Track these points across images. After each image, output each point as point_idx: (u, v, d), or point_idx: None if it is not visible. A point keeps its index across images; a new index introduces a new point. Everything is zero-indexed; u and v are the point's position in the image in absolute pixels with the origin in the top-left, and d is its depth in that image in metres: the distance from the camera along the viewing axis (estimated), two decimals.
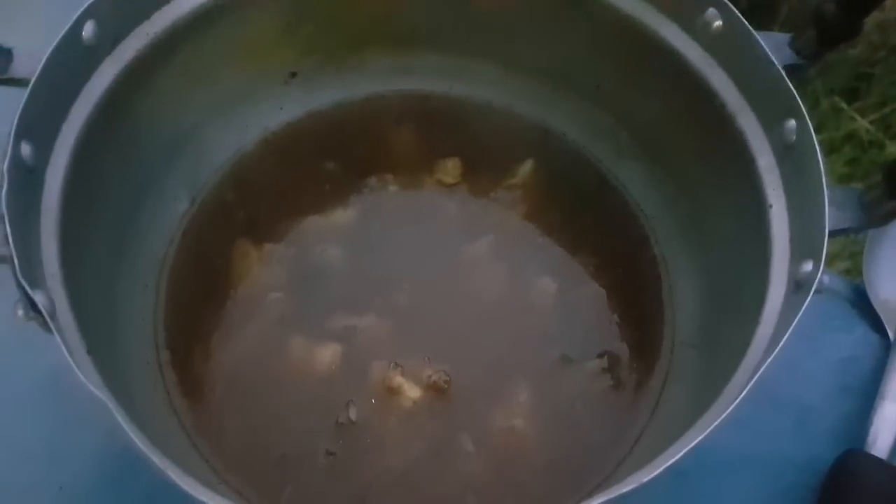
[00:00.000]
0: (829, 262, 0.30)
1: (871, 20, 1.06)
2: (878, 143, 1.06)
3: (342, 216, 0.46)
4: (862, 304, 0.48)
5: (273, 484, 0.37)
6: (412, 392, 0.40)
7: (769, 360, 0.28)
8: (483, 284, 0.44)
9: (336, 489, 0.37)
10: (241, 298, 0.43)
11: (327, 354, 0.41)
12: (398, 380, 0.40)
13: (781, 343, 0.28)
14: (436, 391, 0.40)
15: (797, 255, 0.31)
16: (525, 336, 0.43)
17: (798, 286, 0.30)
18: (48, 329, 0.26)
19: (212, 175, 0.45)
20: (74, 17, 0.33)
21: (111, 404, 0.24)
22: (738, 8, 0.35)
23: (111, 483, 0.41)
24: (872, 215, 0.31)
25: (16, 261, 0.27)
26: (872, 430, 0.42)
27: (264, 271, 0.44)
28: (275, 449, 0.38)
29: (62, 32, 0.33)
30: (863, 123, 1.07)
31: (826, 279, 0.29)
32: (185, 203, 0.44)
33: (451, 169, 0.47)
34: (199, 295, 0.42)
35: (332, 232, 0.45)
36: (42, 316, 0.26)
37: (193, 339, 0.41)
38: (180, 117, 0.43)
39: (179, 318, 0.41)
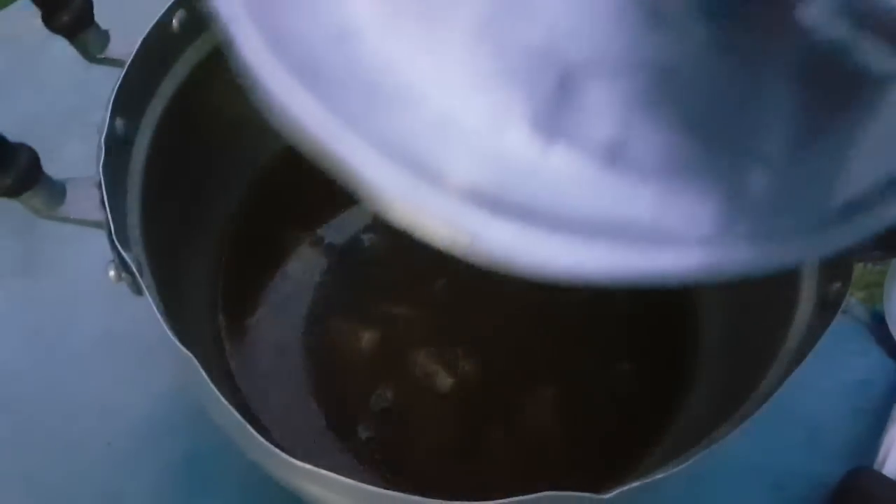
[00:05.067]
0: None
1: None
2: None
3: None
4: (878, 329, 0.50)
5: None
6: (446, 380, 0.43)
7: (791, 375, 0.29)
8: (519, 281, 0.46)
9: (371, 471, 0.40)
10: (291, 278, 0.45)
11: (366, 339, 0.44)
12: (433, 367, 0.43)
13: (806, 359, 0.30)
14: (468, 382, 0.42)
15: (825, 274, 0.33)
16: (556, 335, 0.45)
17: (824, 305, 0.32)
18: (138, 290, 0.29)
19: (270, 159, 0.48)
20: (167, 5, 0.36)
21: (197, 362, 0.26)
22: None
23: (155, 443, 0.44)
24: None
25: (111, 223, 0.29)
26: (882, 450, 0.44)
27: (312, 254, 0.46)
28: (313, 428, 0.41)
29: (155, 19, 0.35)
30: None
31: (852, 299, 0.31)
32: (243, 182, 0.47)
33: None
34: (254, 271, 0.45)
35: (378, 220, 0.48)
36: (134, 276, 0.28)
37: (246, 311, 0.43)
38: (246, 102, 0.45)
39: (235, 291, 0.43)
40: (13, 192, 0.29)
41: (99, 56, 0.35)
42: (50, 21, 0.34)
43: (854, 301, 0.52)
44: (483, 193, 0.21)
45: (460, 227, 0.21)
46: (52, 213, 0.31)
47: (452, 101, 0.23)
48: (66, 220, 0.31)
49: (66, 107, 0.48)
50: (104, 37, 0.35)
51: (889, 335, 0.49)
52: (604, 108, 0.23)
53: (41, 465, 0.43)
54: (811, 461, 0.46)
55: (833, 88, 0.25)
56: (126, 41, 0.35)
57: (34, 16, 0.34)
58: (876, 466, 0.43)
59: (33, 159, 0.30)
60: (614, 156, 0.23)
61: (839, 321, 0.32)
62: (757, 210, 0.23)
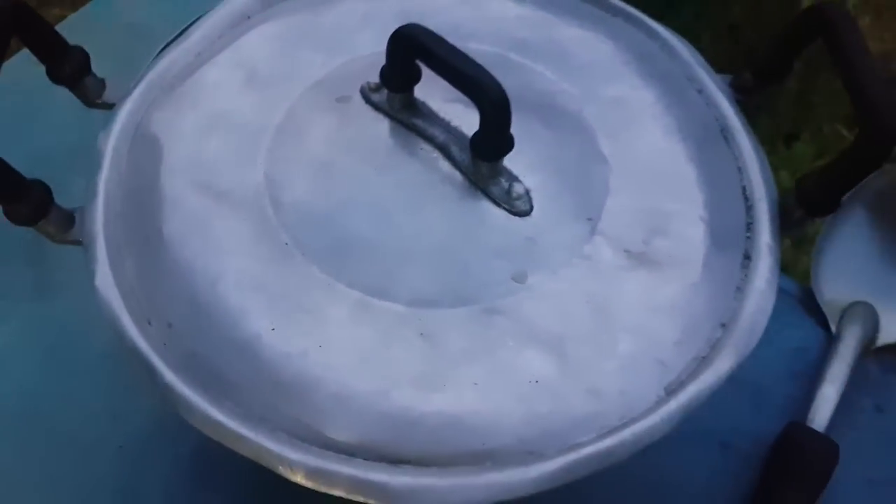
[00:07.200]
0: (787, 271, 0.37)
1: (875, 51, 1.11)
2: None
3: None
4: (810, 303, 0.55)
5: None
6: None
7: None
8: None
9: None
10: None
11: None
12: None
13: None
14: None
15: None
16: None
17: None
18: None
19: None
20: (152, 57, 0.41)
21: None
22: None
23: (163, 443, 0.48)
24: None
25: None
26: (813, 407, 0.49)
27: None
28: None
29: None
30: None
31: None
32: None
33: None
34: None
35: None
36: None
37: None
38: None
39: None
40: (30, 220, 0.35)
41: (97, 101, 0.40)
42: (52, 73, 0.39)
43: (789, 280, 0.57)
44: (381, 450, 0.29)
45: (366, 486, 0.28)
46: (63, 237, 0.36)
47: (344, 379, 0.30)
48: (75, 242, 0.36)
49: (71, 143, 0.52)
50: (101, 84, 0.40)
51: (818, 308, 0.54)
52: (463, 345, 0.31)
53: (59, 470, 0.48)
54: (755, 420, 0.50)
55: None
56: (120, 87, 0.40)
57: (39, 63, 0.39)
58: (808, 421, 0.48)
59: (46, 192, 0.35)
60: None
61: (779, 298, 0.38)
62: None
